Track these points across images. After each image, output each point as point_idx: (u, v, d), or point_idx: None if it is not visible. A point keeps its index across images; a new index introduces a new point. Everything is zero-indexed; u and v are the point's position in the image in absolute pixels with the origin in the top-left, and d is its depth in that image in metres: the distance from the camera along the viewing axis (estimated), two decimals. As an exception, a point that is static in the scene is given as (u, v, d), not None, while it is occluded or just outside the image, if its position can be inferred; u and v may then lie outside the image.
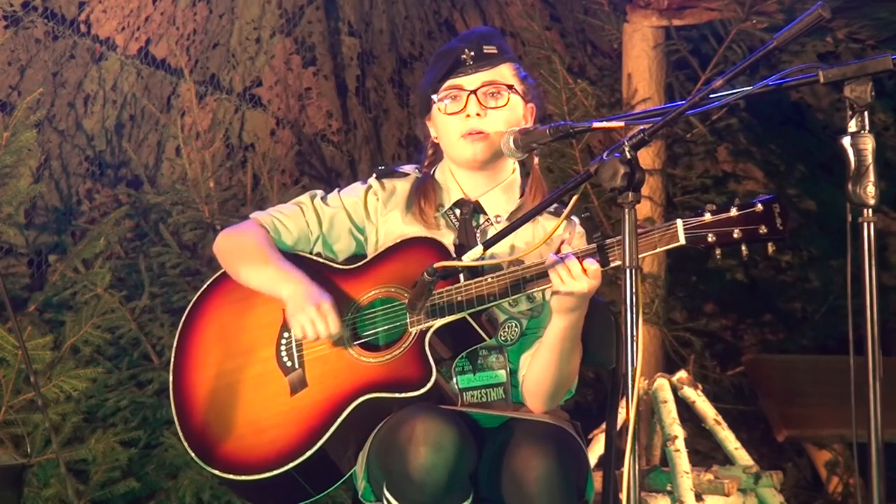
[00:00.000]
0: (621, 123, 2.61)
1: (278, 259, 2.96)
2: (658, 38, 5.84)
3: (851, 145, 2.27)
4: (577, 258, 2.71)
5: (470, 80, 2.95)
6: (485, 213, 3.00)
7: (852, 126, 2.29)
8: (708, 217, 2.65)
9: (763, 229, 2.63)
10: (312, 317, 2.84)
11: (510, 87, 2.96)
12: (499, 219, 2.99)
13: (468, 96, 2.94)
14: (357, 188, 3.08)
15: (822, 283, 6.59)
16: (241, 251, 2.99)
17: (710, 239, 2.65)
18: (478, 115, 2.93)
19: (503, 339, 2.95)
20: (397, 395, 2.82)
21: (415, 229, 2.99)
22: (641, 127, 2.46)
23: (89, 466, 4.68)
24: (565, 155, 5.78)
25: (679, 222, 2.68)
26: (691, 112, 2.46)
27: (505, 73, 2.98)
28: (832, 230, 6.50)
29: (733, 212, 2.64)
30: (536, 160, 3.04)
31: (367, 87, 6.46)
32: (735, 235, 2.63)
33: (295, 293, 2.89)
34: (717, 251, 2.66)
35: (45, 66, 5.48)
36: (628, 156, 2.41)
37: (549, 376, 2.89)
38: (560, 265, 2.71)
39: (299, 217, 3.04)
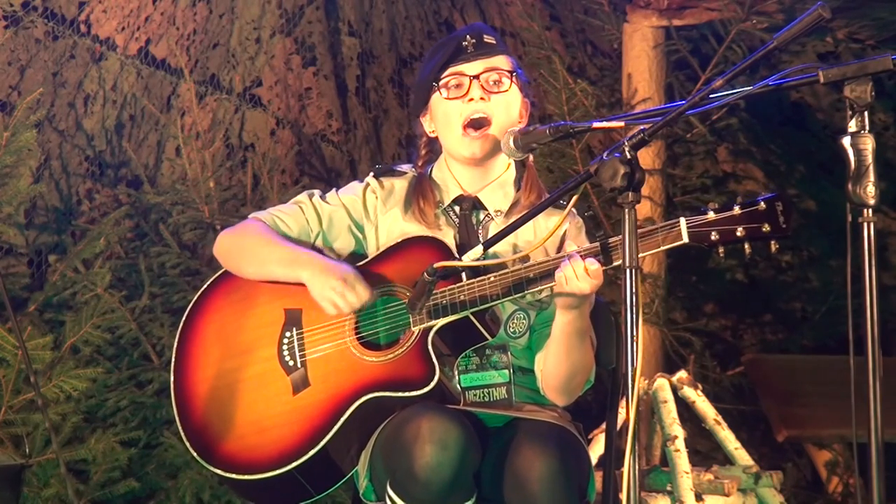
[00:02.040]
0: (621, 123, 2.61)
1: (287, 243, 2.96)
2: (658, 38, 5.84)
3: (851, 145, 2.27)
4: (580, 258, 2.71)
5: (472, 66, 2.96)
6: (484, 209, 3.01)
7: (852, 126, 2.29)
8: (711, 216, 2.66)
9: (766, 227, 2.63)
10: (340, 290, 2.84)
11: (511, 73, 2.97)
12: (499, 213, 2.99)
13: (471, 81, 2.95)
14: (355, 186, 3.08)
15: (822, 283, 6.59)
16: (246, 245, 2.99)
17: (713, 237, 2.65)
18: (481, 98, 2.94)
19: (511, 331, 2.96)
20: (400, 394, 2.82)
21: (415, 228, 2.99)
22: (641, 127, 2.46)
23: (89, 466, 4.68)
24: (565, 155, 5.78)
25: (682, 221, 2.68)
26: (691, 112, 2.46)
27: (503, 63, 2.99)
28: (832, 230, 6.50)
29: (736, 210, 2.64)
30: (531, 156, 3.04)
31: (367, 87, 6.46)
32: (738, 234, 2.64)
33: (314, 273, 2.88)
34: (720, 250, 2.66)
35: (45, 66, 5.48)
36: (628, 156, 2.41)
37: (563, 370, 2.90)
38: (564, 265, 2.71)
39: (299, 215, 3.04)
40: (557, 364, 2.89)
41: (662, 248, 2.70)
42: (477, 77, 2.95)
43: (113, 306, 4.92)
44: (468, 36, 2.97)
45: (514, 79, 2.98)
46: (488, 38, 2.98)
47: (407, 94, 6.58)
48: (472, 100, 2.95)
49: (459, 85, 2.97)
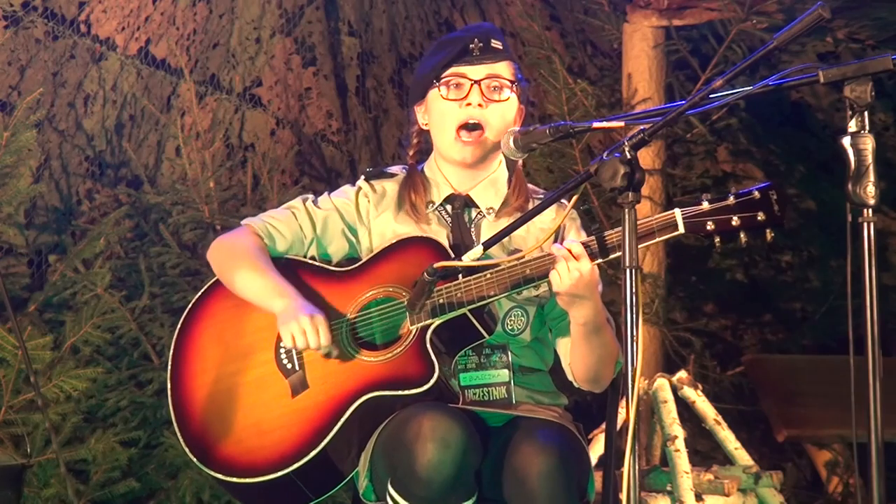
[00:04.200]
0: (621, 123, 2.61)
1: (273, 272, 2.96)
2: (658, 38, 5.84)
3: (851, 145, 2.28)
4: (572, 255, 2.72)
5: (475, 70, 2.96)
6: (476, 207, 3.01)
7: (852, 126, 2.29)
8: (706, 205, 2.66)
9: (761, 216, 2.64)
10: (305, 326, 2.83)
11: (512, 83, 2.97)
12: (491, 211, 3.00)
13: (472, 85, 2.95)
14: (347, 190, 3.09)
15: (822, 283, 6.59)
16: (236, 261, 2.99)
17: (709, 227, 2.66)
18: (479, 105, 2.94)
19: (509, 328, 2.96)
20: (400, 392, 2.82)
21: (408, 228, 2.99)
22: (641, 127, 2.47)
23: (89, 466, 4.68)
24: (565, 155, 5.77)
25: (677, 211, 2.68)
26: (691, 112, 2.47)
27: (506, 70, 2.99)
28: (832, 230, 6.49)
29: (731, 200, 2.65)
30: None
31: (367, 87, 6.46)
32: (734, 223, 2.64)
33: (288, 307, 2.88)
34: (717, 240, 2.66)
35: (45, 66, 5.48)
36: (628, 156, 2.42)
37: (589, 363, 2.90)
38: (557, 263, 2.72)
39: (292, 221, 3.04)
40: (582, 360, 2.90)
41: (659, 239, 2.70)
42: (478, 82, 2.95)
43: (113, 306, 4.92)
44: (476, 39, 2.96)
45: (514, 88, 2.98)
46: (495, 43, 2.98)
47: (407, 93, 6.57)
48: (469, 104, 2.95)
49: (459, 86, 2.97)
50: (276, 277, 2.95)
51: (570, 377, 2.97)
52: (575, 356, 2.91)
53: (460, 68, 2.97)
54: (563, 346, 2.96)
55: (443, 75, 2.98)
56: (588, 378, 2.93)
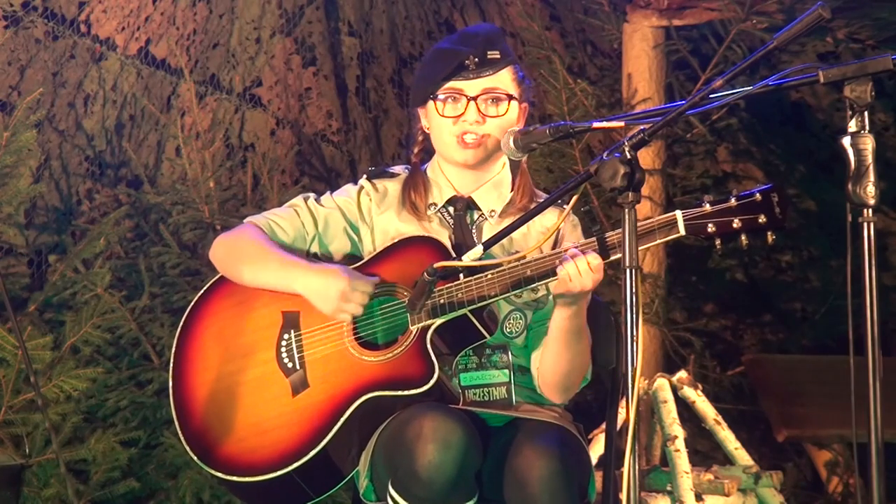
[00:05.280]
0: (621, 123, 2.61)
1: (280, 252, 2.96)
2: (658, 38, 5.84)
3: (851, 145, 2.28)
4: (583, 254, 2.71)
5: (471, 86, 2.95)
6: (478, 209, 3.01)
7: (852, 126, 2.29)
8: (707, 207, 2.66)
9: (762, 218, 2.63)
10: (345, 303, 2.84)
11: (510, 96, 2.96)
12: (493, 213, 2.99)
13: (468, 102, 2.94)
14: (349, 189, 3.09)
15: (822, 283, 6.59)
16: (242, 252, 2.99)
17: (710, 229, 2.65)
18: (476, 121, 2.93)
19: (508, 331, 2.96)
20: (400, 392, 2.82)
21: (410, 228, 2.99)
22: (641, 127, 2.46)
23: (89, 466, 4.68)
24: (565, 155, 5.77)
25: (679, 213, 2.68)
26: (691, 112, 2.46)
27: (506, 78, 2.97)
28: (832, 230, 6.50)
29: (732, 202, 2.65)
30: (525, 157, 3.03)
31: (367, 87, 6.46)
32: (735, 225, 2.64)
33: (310, 287, 2.88)
34: (718, 242, 2.66)
35: (45, 66, 5.48)
36: (628, 156, 2.41)
37: (560, 368, 2.89)
38: (566, 262, 2.71)
39: (294, 218, 3.04)
40: (555, 362, 2.89)
41: (660, 241, 2.70)
42: (475, 99, 2.94)
43: (113, 306, 4.92)
44: (471, 55, 2.94)
45: (514, 96, 2.96)
46: (492, 54, 2.95)
47: (407, 94, 6.57)
48: (465, 121, 2.94)
49: (456, 100, 2.95)
50: (284, 256, 2.95)
51: (535, 381, 2.96)
52: (548, 359, 2.90)
53: (457, 83, 2.95)
54: (536, 352, 2.96)
55: (439, 91, 2.97)
56: (555, 383, 2.92)
